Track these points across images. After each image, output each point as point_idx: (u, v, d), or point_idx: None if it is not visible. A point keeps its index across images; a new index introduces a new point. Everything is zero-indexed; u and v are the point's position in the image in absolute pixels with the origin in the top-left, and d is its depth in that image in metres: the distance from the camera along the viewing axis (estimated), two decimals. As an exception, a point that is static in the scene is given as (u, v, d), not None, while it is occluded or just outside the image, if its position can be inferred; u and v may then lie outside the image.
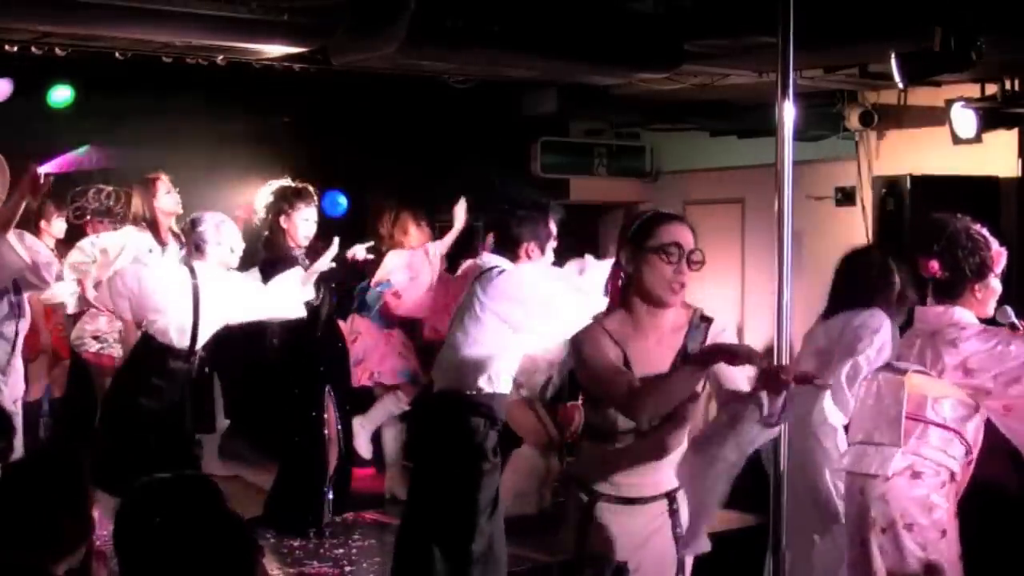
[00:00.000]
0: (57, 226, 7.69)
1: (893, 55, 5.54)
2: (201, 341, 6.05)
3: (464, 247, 7.30)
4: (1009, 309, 4.34)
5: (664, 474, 3.66)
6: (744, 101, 7.62)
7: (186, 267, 6.01)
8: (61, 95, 7.50)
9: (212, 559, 2.41)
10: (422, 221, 7.56)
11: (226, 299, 6.04)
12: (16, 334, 5.54)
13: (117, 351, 7.00)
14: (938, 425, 4.26)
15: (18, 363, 5.66)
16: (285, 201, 6.50)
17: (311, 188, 6.70)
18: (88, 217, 7.70)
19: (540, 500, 6.73)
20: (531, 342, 5.13)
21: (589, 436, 3.74)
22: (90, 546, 3.13)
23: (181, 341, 5.95)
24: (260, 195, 6.70)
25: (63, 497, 2.98)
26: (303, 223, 6.50)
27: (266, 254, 6.53)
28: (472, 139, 8.64)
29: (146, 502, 2.55)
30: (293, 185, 6.65)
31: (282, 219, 6.49)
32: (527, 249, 5.03)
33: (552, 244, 5.07)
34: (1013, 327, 4.34)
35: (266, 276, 6.39)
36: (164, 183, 6.78)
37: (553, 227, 5.07)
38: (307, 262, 6.45)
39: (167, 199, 6.71)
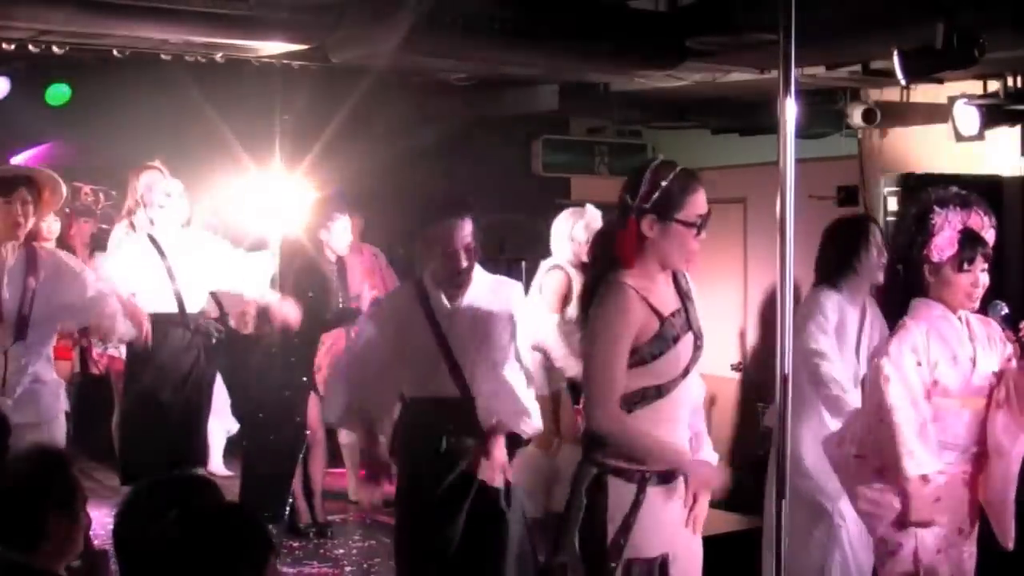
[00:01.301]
0: (53, 226, 7.63)
1: (895, 52, 5.51)
2: (192, 301, 6.25)
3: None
4: (1001, 304, 4.24)
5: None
6: (746, 99, 7.59)
7: (146, 236, 6.24)
8: (59, 93, 7.47)
9: (220, 559, 2.38)
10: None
11: (194, 252, 6.27)
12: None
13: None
14: None
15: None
16: (323, 215, 6.55)
17: (339, 192, 6.78)
18: (71, 220, 7.66)
19: (545, 501, 6.68)
20: None
21: (636, 402, 3.50)
22: (89, 545, 3.11)
23: (168, 305, 6.15)
24: (288, 210, 6.78)
25: (53, 495, 2.95)
26: (344, 232, 6.57)
27: (302, 266, 6.55)
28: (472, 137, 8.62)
29: (147, 503, 2.53)
30: (323, 196, 6.71)
31: (322, 232, 6.53)
32: None
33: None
34: (1010, 321, 4.23)
35: (301, 287, 6.47)
36: (151, 174, 6.71)
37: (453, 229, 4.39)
38: (337, 272, 6.51)
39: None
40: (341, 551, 6.44)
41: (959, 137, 6.68)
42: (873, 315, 5.23)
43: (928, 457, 4.01)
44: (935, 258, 4.08)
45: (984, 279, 4.13)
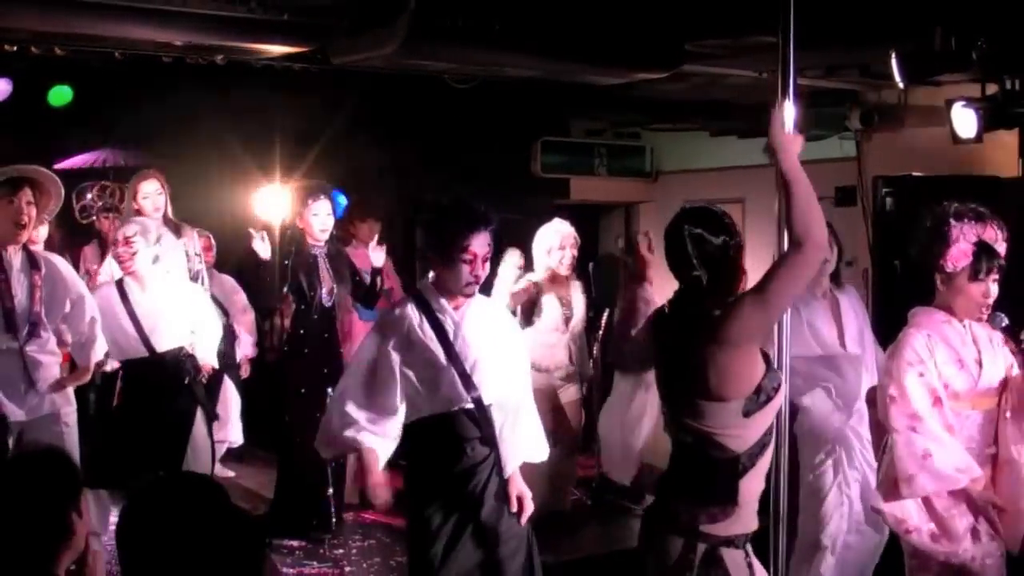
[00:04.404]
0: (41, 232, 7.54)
1: (893, 55, 5.52)
2: (164, 342, 5.86)
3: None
4: (1001, 316, 4.22)
5: None
6: (745, 101, 7.60)
7: (113, 283, 5.94)
8: (60, 95, 7.49)
9: (218, 559, 2.39)
10: (368, 217, 7.53)
11: (164, 296, 5.87)
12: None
13: None
14: None
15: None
16: (300, 203, 6.62)
17: (322, 183, 6.78)
18: (94, 215, 7.65)
19: (550, 500, 6.68)
20: None
21: (765, 445, 3.33)
22: (87, 545, 3.11)
23: (136, 351, 5.83)
24: (271, 202, 6.77)
25: (53, 495, 2.95)
26: (315, 218, 6.61)
27: (294, 256, 6.59)
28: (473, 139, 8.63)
29: (151, 502, 2.54)
30: (302, 184, 6.75)
31: (298, 221, 6.61)
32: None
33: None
34: (1011, 332, 4.22)
35: (294, 278, 6.51)
36: (150, 183, 6.64)
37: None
38: (326, 259, 6.54)
39: (144, 202, 6.53)
40: (340, 551, 6.44)
41: (957, 140, 6.68)
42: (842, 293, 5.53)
43: (929, 480, 4.03)
44: (949, 268, 4.12)
45: (995, 290, 4.15)
